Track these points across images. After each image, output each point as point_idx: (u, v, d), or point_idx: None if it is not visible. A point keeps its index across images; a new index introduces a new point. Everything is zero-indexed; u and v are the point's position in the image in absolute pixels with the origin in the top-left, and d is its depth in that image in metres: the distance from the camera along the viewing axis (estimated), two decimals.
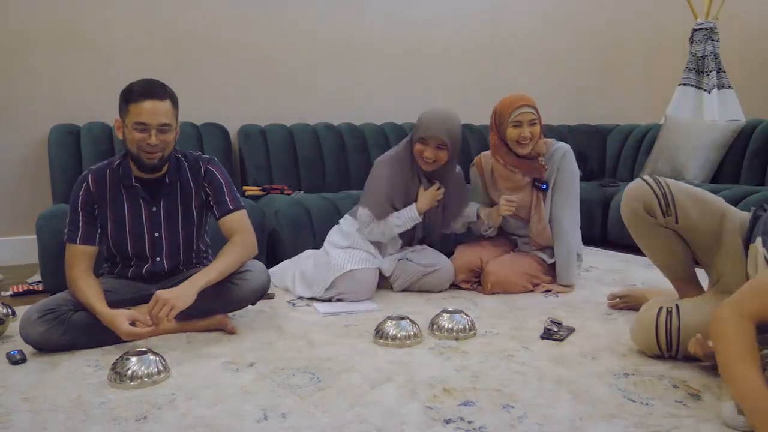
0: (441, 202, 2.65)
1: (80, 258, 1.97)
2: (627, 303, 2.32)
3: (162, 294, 1.83)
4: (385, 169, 2.58)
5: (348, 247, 2.59)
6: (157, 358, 1.69)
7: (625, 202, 1.89)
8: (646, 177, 1.87)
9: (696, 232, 1.82)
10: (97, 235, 2.02)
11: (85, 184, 2.01)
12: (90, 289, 1.90)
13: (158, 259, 2.08)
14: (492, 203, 2.73)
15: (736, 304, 1.38)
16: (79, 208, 2.00)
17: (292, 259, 2.83)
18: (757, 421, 1.20)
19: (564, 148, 2.61)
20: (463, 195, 2.78)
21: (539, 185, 2.58)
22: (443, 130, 2.45)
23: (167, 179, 2.04)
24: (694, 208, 1.79)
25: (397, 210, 2.59)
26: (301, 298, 2.56)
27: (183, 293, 1.85)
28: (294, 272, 2.67)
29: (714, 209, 1.81)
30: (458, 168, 2.77)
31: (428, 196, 2.56)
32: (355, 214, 2.69)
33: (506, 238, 2.80)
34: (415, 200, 2.58)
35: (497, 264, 2.60)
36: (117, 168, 2.03)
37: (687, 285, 1.95)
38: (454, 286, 2.71)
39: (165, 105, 1.91)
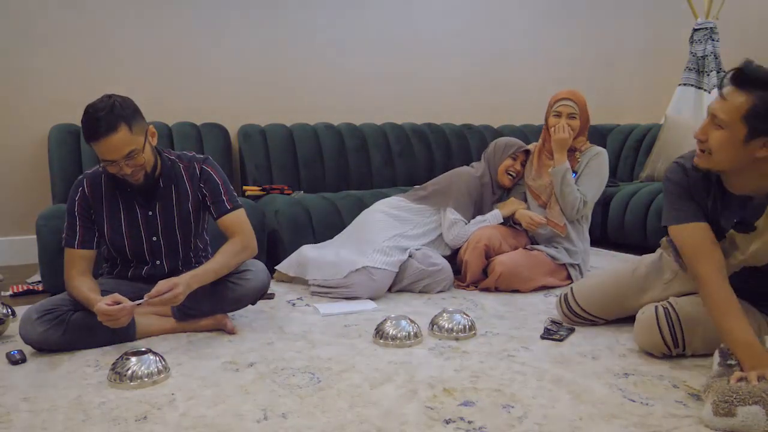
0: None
1: (79, 262, 1.97)
2: None
3: (173, 280, 1.83)
4: (474, 181, 2.86)
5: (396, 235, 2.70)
6: (157, 358, 1.69)
7: None
8: (568, 295, 2.14)
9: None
10: (95, 239, 2.02)
11: (81, 188, 2.00)
12: (84, 285, 1.90)
13: (158, 262, 2.08)
14: (523, 188, 2.92)
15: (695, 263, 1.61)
16: (76, 213, 1.99)
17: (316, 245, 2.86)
18: (748, 364, 1.44)
19: (598, 149, 2.79)
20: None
21: None
22: (521, 145, 2.92)
23: (161, 183, 2.03)
24: (602, 306, 2.07)
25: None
26: (300, 298, 2.56)
27: (185, 290, 1.85)
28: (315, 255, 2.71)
29: (618, 289, 2.03)
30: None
31: (514, 205, 2.82)
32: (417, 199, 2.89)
33: (525, 235, 2.85)
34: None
35: (507, 256, 2.63)
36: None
37: None
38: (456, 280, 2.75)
39: (119, 136, 1.80)
